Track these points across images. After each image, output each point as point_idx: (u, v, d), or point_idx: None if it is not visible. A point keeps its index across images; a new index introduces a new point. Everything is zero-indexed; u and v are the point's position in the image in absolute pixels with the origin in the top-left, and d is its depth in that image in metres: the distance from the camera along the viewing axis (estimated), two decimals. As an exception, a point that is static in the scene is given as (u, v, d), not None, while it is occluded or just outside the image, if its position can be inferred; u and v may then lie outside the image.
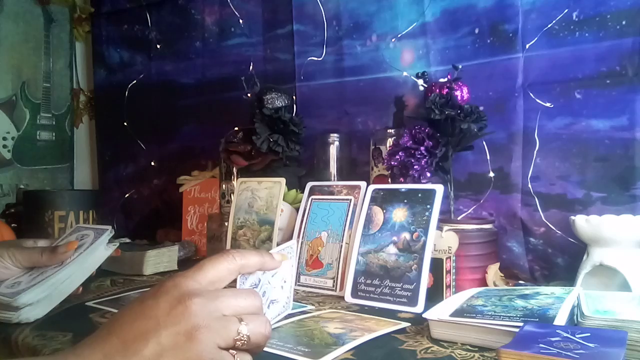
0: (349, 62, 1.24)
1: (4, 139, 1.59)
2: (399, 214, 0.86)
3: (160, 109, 1.59)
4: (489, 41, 1.06)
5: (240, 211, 1.06)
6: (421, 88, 1.12)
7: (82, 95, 1.82)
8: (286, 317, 0.67)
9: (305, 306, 0.80)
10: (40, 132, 1.68)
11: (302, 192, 1.03)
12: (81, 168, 1.82)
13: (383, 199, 0.89)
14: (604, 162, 0.96)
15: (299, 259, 0.94)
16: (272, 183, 1.04)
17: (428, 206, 0.84)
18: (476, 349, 0.59)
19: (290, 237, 1.02)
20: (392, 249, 0.84)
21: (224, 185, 1.24)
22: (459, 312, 0.64)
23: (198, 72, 1.52)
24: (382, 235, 0.86)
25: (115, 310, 0.78)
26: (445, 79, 0.99)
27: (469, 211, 1.09)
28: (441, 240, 0.86)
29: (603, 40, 0.95)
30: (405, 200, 0.87)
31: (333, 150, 1.19)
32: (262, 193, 1.04)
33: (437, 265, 0.81)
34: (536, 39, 1.01)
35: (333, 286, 0.90)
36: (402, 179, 0.98)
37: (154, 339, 0.41)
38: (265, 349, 0.47)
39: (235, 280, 0.49)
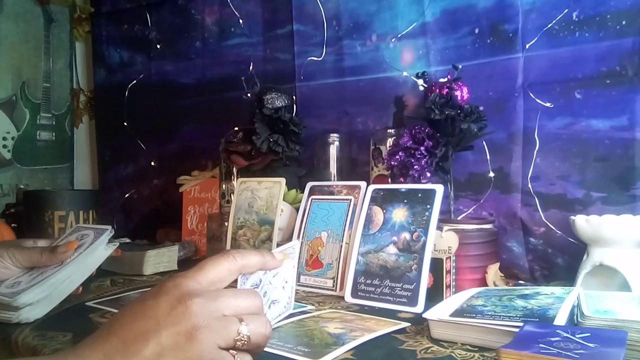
0: (349, 62, 1.24)
1: (4, 139, 1.59)
2: (399, 214, 0.86)
3: (160, 109, 1.59)
4: (489, 41, 1.06)
5: (240, 211, 1.06)
6: (421, 88, 1.12)
7: (82, 95, 1.82)
8: (286, 317, 0.67)
9: (305, 306, 0.80)
10: (40, 132, 1.68)
11: (302, 192, 1.03)
12: (81, 168, 1.82)
13: (383, 199, 0.89)
14: (604, 162, 0.96)
15: (299, 259, 0.94)
16: (272, 183, 1.04)
17: (428, 206, 0.84)
18: (476, 349, 0.59)
19: (290, 237, 1.02)
20: (392, 249, 0.84)
21: (224, 185, 1.24)
22: (459, 312, 0.64)
23: (198, 72, 1.52)
24: (382, 235, 0.86)
25: (115, 310, 0.78)
26: (445, 79, 0.99)
27: (469, 211, 1.09)
28: (441, 240, 0.86)
29: (603, 40, 0.95)
30: (405, 200, 0.87)
31: (333, 150, 1.19)
32: (262, 193, 1.04)
33: (437, 265, 0.81)
34: (536, 39, 1.01)
35: (333, 286, 0.90)
36: (402, 179, 0.98)
37: (154, 339, 0.41)
38: (266, 349, 0.47)
39: (236, 281, 0.49)
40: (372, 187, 0.92)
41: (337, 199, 0.96)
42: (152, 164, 1.62)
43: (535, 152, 1.02)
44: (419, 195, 0.86)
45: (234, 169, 1.22)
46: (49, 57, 1.71)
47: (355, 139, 1.23)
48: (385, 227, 0.86)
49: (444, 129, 0.95)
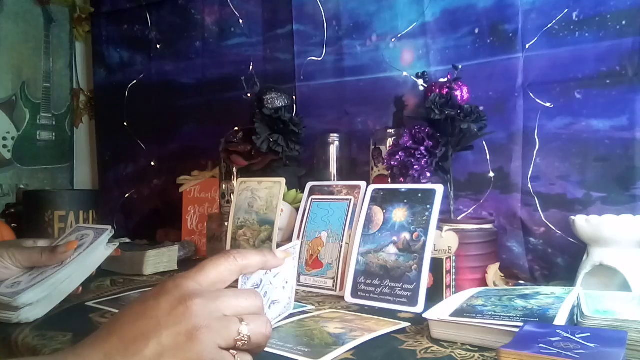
0: (349, 62, 1.24)
1: (4, 139, 1.59)
2: (399, 214, 0.86)
3: (160, 109, 1.59)
4: (489, 41, 1.06)
5: (240, 211, 1.06)
6: (421, 88, 1.12)
7: (82, 95, 1.81)
8: (286, 317, 0.67)
9: (306, 306, 0.80)
10: (40, 132, 1.68)
11: (302, 192, 1.03)
12: (81, 168, 1.82)
13: (383, 199, 0.89)
14: (604, 162, 0.96)
15: (299, 259, 0.94)
16: (272, 183, 1.04)
17: (428, 206, 0.84)
18: (476, 349, 0.59)
19: (290, 237, 1.02)
20: (392, 249, 0.84)
21: (224, 185, 1.24)
22: (459, 312, 0.64)
23: (198, 72, 1.52)
24: (382, 235, 0.86)
25: (116, 310, 0.78)
26: (445, 79, 0.99)
27: (469, 211, 1.09)
28: (441, 240, 0.86)
29: (603, 40, 0.95)
30: (405, 200, 0.87)
31: (333, 150, 1.19)
32: (262, 193, 1.04)
33: (437, 265, 0.81)
34: (536, 39, 1.01)
35: (333, 286, 0.90)
36: (402, 179, 0.98)
37: (155, 339, 0.41)
38: (266, 349, 0.47)
39: (237, 281, 0.49)
40: (372, 187, 0.92)
41: (337, 199, 0.96)
42: (152, 164, 1.62)
43: (535, 152, 1.02)
44: (419, 195, 0.86)
45: (234, 169, 1.22)
46: (49, 57, 1.71)
47: (355, 139, 1.23)
48: (385, 227, 0.86)
49: (444, 129, 0.95)
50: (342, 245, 0.91)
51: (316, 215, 0.97)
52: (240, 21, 1.42)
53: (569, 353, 0.45)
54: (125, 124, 1.66)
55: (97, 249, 0.79)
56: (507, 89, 1.04)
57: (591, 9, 0.96)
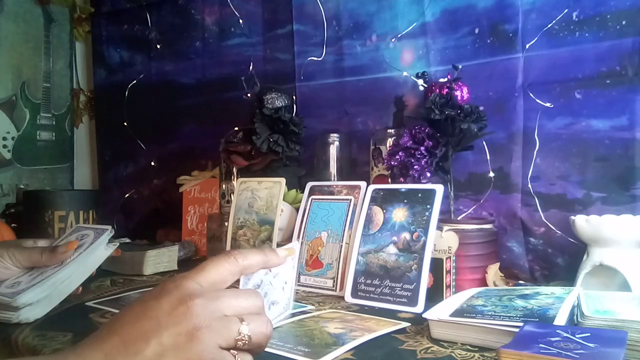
0: (349, 62, 1.24)
1: (4, 139, 1.59)
2: (399, 214, 0.86)
3: (160, 109, 1.59)
4: (489, 41, 1.06)
5: (240, 211, 1.06)
6: (421, 88, 1.12)
7: (82, 95, 1.81)
8: (286, 317, 0.67)
9: (305, 306, 0.80)
10: (40, 132, 1.68)
11: (302, 192, 1.03)
12: (81, 168, 1.82)
13: (383, 199, 0.89)
14: (604, 162, 0.96)
15: (298, 259, 0.94)
16: (272, 183, 1.04)
17: (428, 206, 0.84)
18: (476, 349, 0.59)
19: (290, 237, 1.02)
20: (392, 249, 0.84)
21: (224, 185, 1.24)
22: (459, 312, 0.64)
23: (198, 72, 1.52)
24: (382, 235, 0.86)
25: (116, 311, 0.78)
26: (445, 79, 0.99)
27: (469, 211, 1.09)
28: (441, 240, 0.86)
29: (603, 40, 0.95)
30: (405, 200, 0.87)
31: (333, 150, 1.19)
32: (262, 193, 1.04)
33: (437, 265, 0.81)
34: (536, 39, 1.01)
35: (333, 286, 0.90)
36: (402, 179, 0.98)
37: (155, 339, 0.41)
38: (266, 349, 0.47)
39: (238, 281, 0.49)
40: (372, 187, 0.92)
41: (337, 199, 0.96)
42: (152, 164, 1.62)
43: (535, 152, 1.02)
44: (419, 195, 0.86)
45: (234, 169, 1.22)
46: (49, 57, 1.71)
47: (355, 139, 1.23)
48: (385, 227, 0.86)
49: (444, 129, 0.95)
50: (342, 245, 0.91)
51: (316, 215, 0.97)
52: (240, 21, 1.42)
53: (569, 353, 0.45)
54: (125, 124, 1.66)
55: (97, 249, 0.80)
56: (507, 89, 1.04)
57: (591, 9, 0.96)
